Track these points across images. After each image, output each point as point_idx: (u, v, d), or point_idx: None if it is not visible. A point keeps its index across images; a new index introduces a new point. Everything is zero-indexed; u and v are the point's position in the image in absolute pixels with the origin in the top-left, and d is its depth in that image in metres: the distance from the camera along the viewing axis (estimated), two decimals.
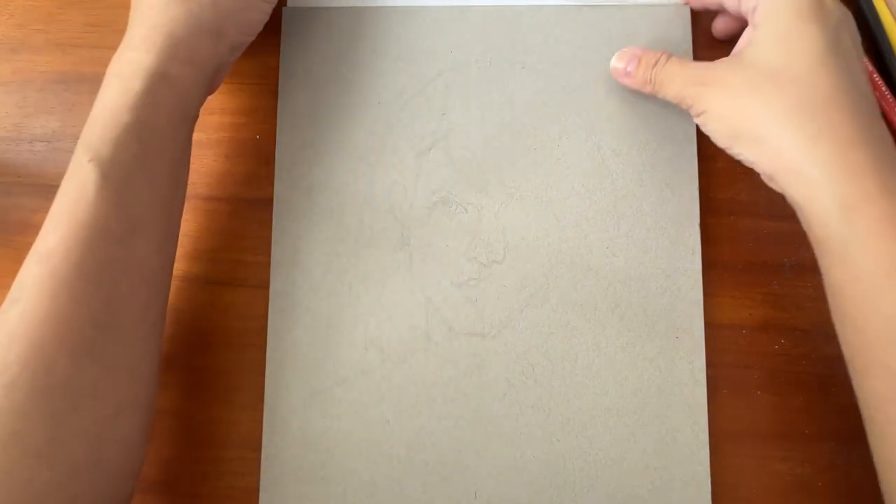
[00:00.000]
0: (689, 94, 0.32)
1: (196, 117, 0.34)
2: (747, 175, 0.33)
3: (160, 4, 0.31)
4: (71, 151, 0.30)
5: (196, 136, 0.39)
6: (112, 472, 0.29)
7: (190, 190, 0.39)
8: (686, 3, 0.37)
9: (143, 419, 0.31)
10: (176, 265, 0.38)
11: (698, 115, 0.32)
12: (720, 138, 0.32)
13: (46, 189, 0.37)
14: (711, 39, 0.38)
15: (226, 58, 0.34)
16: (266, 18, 0.36)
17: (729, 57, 0.32)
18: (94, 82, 0.32)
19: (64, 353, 0.27)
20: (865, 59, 0.37)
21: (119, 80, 0.31)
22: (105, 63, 0.32)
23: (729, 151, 0.32)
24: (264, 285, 0.37)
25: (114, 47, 0.32)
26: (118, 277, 0.29)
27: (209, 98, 0.39)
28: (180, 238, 0.38)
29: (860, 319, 0.28)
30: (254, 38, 0.36)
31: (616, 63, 0.36)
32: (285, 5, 0.39)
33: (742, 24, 0.36)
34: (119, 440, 0.29)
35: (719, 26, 0.37)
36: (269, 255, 0.37)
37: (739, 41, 0.33)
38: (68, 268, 0.28)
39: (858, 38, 0.31)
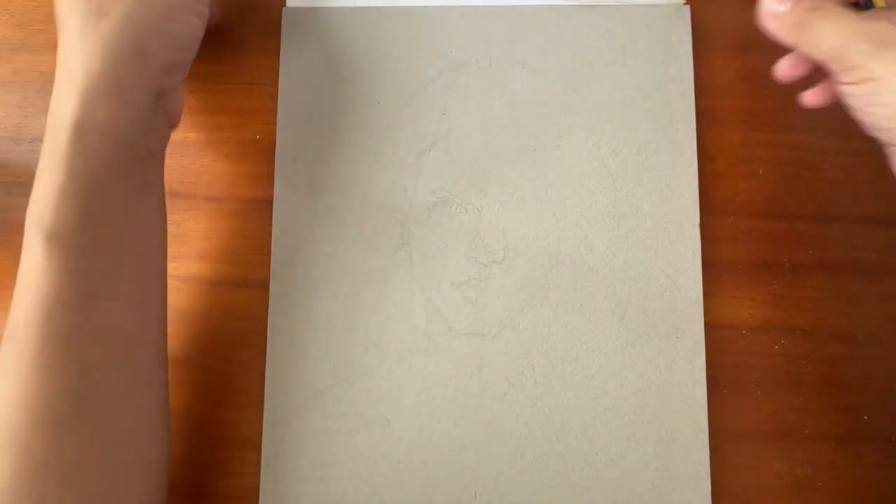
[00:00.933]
0: (857, 52, 0.26)
1: (153, 154, 0.32)
2: (747, 175, 0.33)
3: (73, 39, 0.29)
4: None
5: (196, 136, 0.39)
6: None
7: (190, 190, 0.39)
8: (686, 3, 0.37)
9: (146, 477, 0.30)
10: (176, 265, 0.38)
11: (862, 82, 0.26)
12: (890, 114, 0.26)
13: None
14: (712, 41, 0.38)
15: (163, 81, 0.31)
16: (200, 33, 0.33)
17: None
18: None
19: (40, 433, 0.27)
20: None
21: (50, 136, 0.29)
22: None
23: (888, 134, 0.27)
24: (264, 285, 0.37)
25: None
26: (86, 346, 0.28)
27: (209, 97, 0.39)
28: (181, 238, 0.38)
29: None
30: (193, 55, 0.33)
31: (769, 2, 0.29)
32: (285, 5, 0.40)
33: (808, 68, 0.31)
34: (123, 499, 0.29)
35: (784, 70, 0.32)
36: (269, 255, 0.37)
37: None
38: (33, 344, 0.27)
39: None
